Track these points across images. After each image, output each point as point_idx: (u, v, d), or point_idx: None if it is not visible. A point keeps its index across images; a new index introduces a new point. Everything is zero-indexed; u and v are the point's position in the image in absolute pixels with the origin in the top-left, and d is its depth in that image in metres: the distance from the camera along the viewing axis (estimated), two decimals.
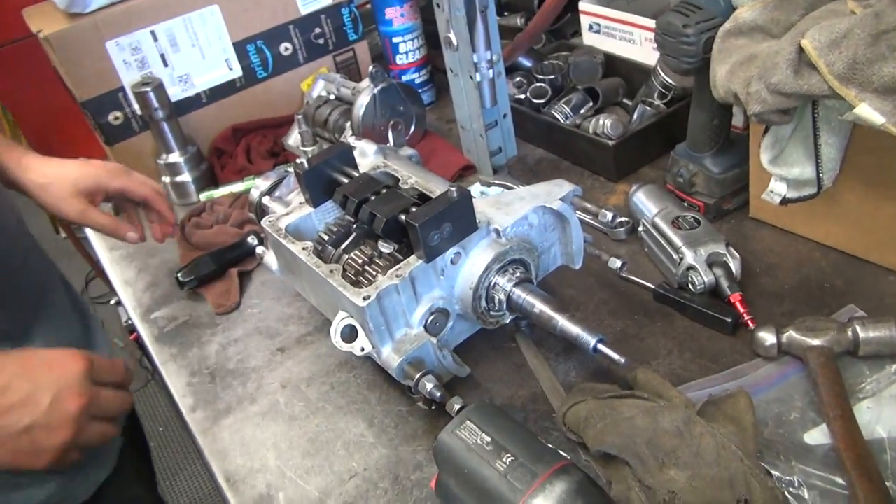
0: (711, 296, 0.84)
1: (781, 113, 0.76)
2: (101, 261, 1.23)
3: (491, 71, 1.07)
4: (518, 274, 0.76)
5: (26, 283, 0.85)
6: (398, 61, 1.38)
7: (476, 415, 0.65)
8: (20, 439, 0.67)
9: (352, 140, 0.92)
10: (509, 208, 0.77)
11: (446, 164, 1.20)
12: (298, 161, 0.81)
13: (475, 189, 1.10)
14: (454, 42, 1.04)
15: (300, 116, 1.17)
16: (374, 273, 0.75)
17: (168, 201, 1.04)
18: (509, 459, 0.61)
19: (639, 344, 0.83)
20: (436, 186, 0.81)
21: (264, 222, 0.82)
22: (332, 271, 0.73)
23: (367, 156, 0.90)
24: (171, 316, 1.03)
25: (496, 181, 1.14)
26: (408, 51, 1.36)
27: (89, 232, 1.22)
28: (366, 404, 0.82)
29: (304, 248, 0.77)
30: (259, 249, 0.89)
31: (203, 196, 1.22)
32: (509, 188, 1.06)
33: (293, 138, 1.31)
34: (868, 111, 0.69)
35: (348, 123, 1.25)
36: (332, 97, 1.34)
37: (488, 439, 0.63)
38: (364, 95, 1.22)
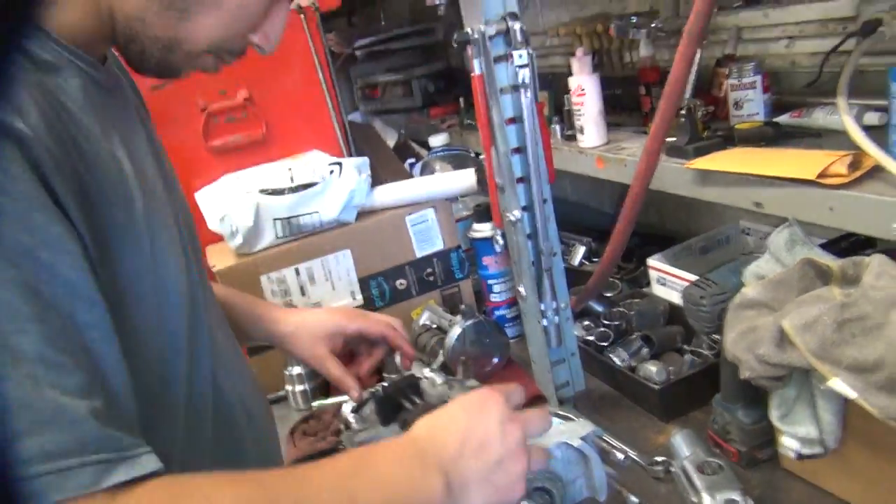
0: None
1: (773, 379, 0.88)
2: None
3: (557, 317, 1.27)
4: (541, 501, 0.89)
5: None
6: (492, 299, 1.61)
7: None
8: (498, 475, 0.70)
9: (425, 371, 1.12)
10: (537, 441, 0.92)
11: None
12: (377, 387, 1.02)
13: None
14: (523, 294, 1.25)
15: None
16: None
17: (406, 336, 1.11)
18: None
19: None
20: None
21: (343, 436, 1.02)
22: None
23: (434, 385, 1.09)
24: None
25: (559, 412, 1.28)
26: (500, 291, 1.60)
27: None
28: None
29: None
30: None
31: (315, 404, 1.46)
32: (568, 419, 1.21)
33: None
34: (841, 385, 0.80)
35: (441, 350, 1.47)
36: (435, 326, 1.58)
37: None
38: (455, 328, 1.45)
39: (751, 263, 0.99)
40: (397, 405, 1.02)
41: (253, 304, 1.10)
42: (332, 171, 1.55)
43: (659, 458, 1.07)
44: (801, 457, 0.94)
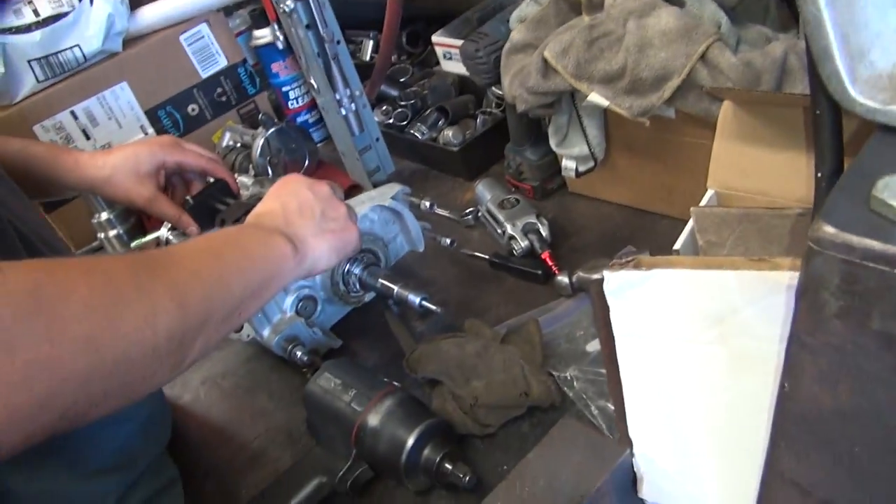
0: (531, 257, 1.06)
1: (545, 107, 0.99)
2: None
3: (354, 105, 1.30)
4: (366, 261, 0.98)
5: None
6: (291, 106, 1.60)
7: (331, 366, 0.86)
8: (328, 223, 0.79)
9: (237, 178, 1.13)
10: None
11: None
12: (186, 198, 1.03)
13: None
14: (316, 86, 1.26)
15: None
16: None
17: (228, 169, 1.08)
18: (353, 392, 0.82)
19: (478, 302, 1.04)
20: None
21: None
22: None
23: (247, 188, 1.11)
24: None
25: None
26: (297, 97, 1.59)
27: None
28: (267, 383, 1.03)
29: None
30: None
31: (133, 244, 1.42)
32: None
33: None
34: (597, 97, 0.92)
35: (251, 165, 1.47)
36: (239, 145, 1.56)
37: (339, 382, 0.84)
38: (258, 139, 1.44)
39: (514, 12, 1.06)
40: (212, 209, 1.03)
41: (55, 154, 1.00)
42: None
43: (468, 210, 1.19)
44: (578, 174, 1.08)
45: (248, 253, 0.70)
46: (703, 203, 0.84)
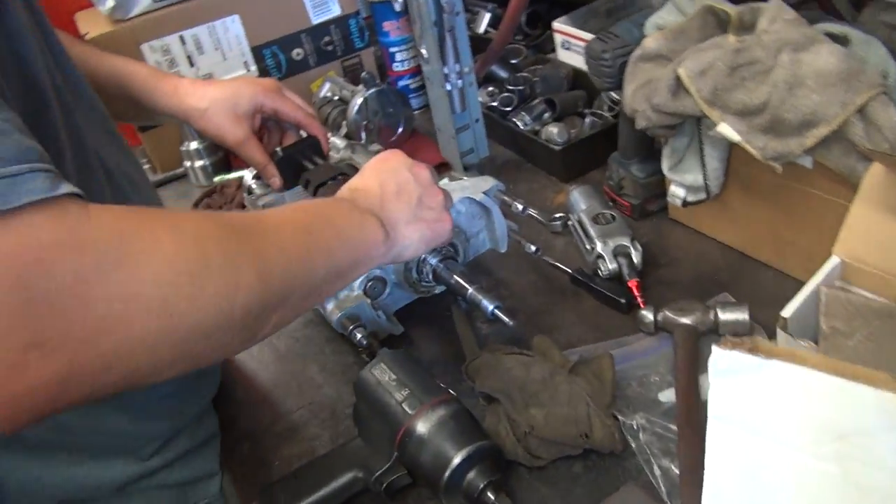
0: (616, 281, 0.99)
1: (667, 128, 0.90)
2: None
3: (461, 81, 1.24)
4: (444, 252, 0.93)
5: None
6: (395, 68, 1.55)
7: (389, 357, 0.82)
8: (422, 210, 0.76)
9: (330, 137, 1.10)
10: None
11: (424, 161, 1.37)
12: (276, 149, 0.99)
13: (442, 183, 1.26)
14: (425, 55, 1.21)
15: None
16: None
17: (322, 126, 1.05)
18: (406, 392, 0.78)
19: (551, 317, 0.98)
20: None
21: (246, 199, 1.00)
22: None
23: (338, 150, 1.08)
24: None
25: (464, 177, 1.31)
26: (403, 59, 1.54)
27: None
28: (321, 354, 1.00)
29: None
30: None
31: (216, 179, 1.42)
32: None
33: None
34: (727, 130, 0.84)
35: (345, 121, 1.43)
36: (336, 98, 1.52)
37: (394, 377, 0.80)
38: (357, 98, 1.40)
39: (652, 16, 0.97)
40: (299, 166, 1.00)
41: (156, 77, 0.97)
42: None
43: (558, 215, 1.12)
44: (685, 203, 1.00)
45: (339, 233, 0.67)
46: (825, 269, 0.76)
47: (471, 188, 0.95)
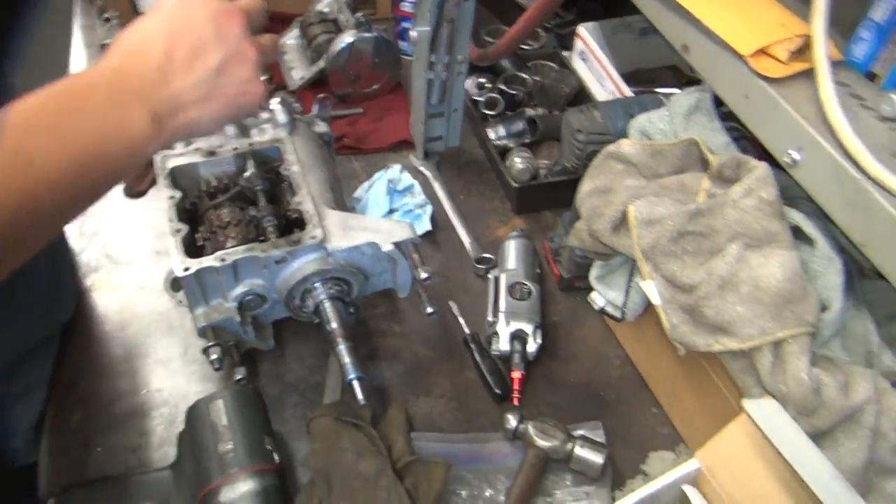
0: (504, 362, 0.95)
1: (598, 255, 0.83)
2: None
3: (445, 73, 1.12)
4: (335, 290, 0.88)
5: None
6: (402, 7, 1.41)
7: (230, 398, 0.80)
8: (223, 81, 0.59)
9: (272, 103, 0.99)
10: (350, 234, 0.87)
11: (388, 132, 1.28)
12: None
13: (390, 173, 1.17)
14: (415, 35, 1.08)
15: (299, 20, 1.33)
16: (224, 239, 0.86)
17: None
18: (230, 446, 0.76)
19: (424, 376, 0.95)
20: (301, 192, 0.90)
21: (156, 156, 0.92)
22: (178, 230, 0.85)
23: (278, 124, 0.98)
24: None
25: (420, 165, 1.23)
26: (413, 0, 1.39)
27: None
28: (191, 335, 0.95)
29: (171, 197, 0.88)
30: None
31: None
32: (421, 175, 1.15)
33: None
34: (652, 289, 0.77)
35: (325, 55, 1.31)
36: (332, 18, 1.39)
37: (226, 423, 0.77)
38: (345, 37, 1.28)
39: (641, 115, 0.86)
40: None
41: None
42: None
43: (486, 255, 1.06)
44: (602, 312, 0.94)
45: (78, 152, 0.51)
46: (680, 470, 0.73)
47: (385, 233, 0.88)
